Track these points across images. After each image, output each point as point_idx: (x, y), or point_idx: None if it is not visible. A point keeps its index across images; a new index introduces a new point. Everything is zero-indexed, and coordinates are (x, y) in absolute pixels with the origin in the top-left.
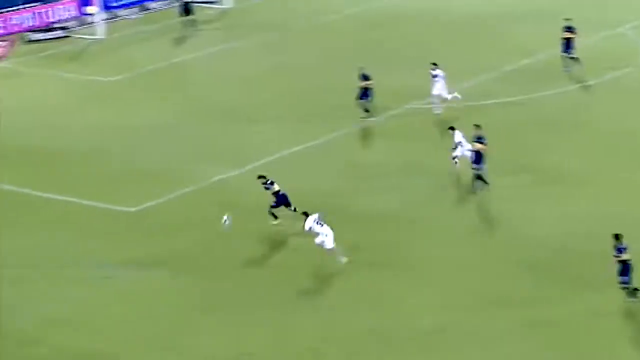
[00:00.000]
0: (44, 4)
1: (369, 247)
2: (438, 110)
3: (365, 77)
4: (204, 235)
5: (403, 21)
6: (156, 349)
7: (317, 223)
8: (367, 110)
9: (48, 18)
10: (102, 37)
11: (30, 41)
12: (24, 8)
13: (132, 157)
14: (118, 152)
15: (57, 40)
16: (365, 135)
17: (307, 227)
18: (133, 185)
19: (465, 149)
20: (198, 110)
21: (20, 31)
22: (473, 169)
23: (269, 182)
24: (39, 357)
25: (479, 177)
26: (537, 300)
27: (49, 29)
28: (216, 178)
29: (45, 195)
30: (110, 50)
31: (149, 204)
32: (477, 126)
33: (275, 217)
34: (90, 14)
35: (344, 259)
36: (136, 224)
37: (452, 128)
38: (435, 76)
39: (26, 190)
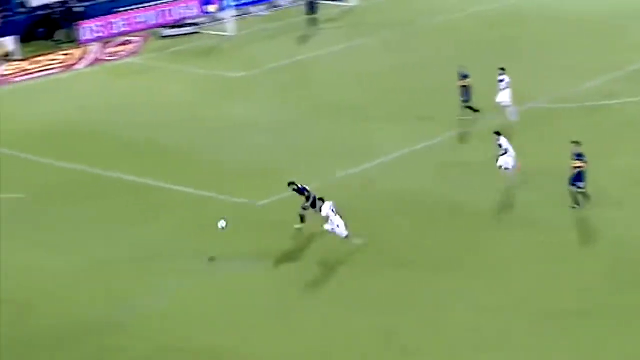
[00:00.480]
0: (168, 3)
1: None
2: (514, 117)
3: (464, 76)
4: (319, 232)
5: (526, 19)
6: (260, 341)
7: (332, 210)
8: (474, 110)
9: (171, 16)
10: (231, 33)
11: (163, 37)
12: (149, 6)
13: (253, 153)
14: (240, 147)
15: (188, 36)
16: (478, 135)
17: (324, 212)
18: (255, 180)
19: (510, 156)
20: (319, 108)
21: (144, 29)
22: (574, 187)
23: (300, 187)
24: (146, 350)
25: (580, 194)
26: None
27: (180, 24)
28: (338, 175)
29: (166, 186)
30: (238, 47)
31: (269, 199)
32: (576, 143)
33: (302, 220)
34: (211, 12)
35: (359, 240)
36: (255, 219)
37: (498, 133)
38: (501, 81)
39: (148, 181)
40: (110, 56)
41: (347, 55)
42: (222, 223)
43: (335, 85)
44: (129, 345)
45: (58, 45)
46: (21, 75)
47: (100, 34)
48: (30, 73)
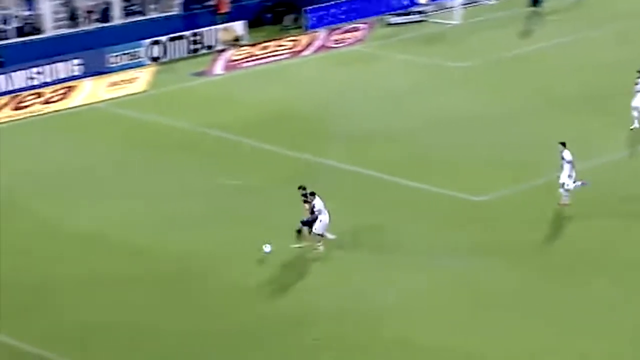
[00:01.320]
0: None
1: None
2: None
3: None
4: (550, 230)
5: None
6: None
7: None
8: None
9: (398, 3)
10: (457, 22)
11: (389, 24)
12: None
13: (477, 145)
14: (463, 140)
15: (414, 24)
16: None
17: (317, 208)
18: (478, 174)
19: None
20: (544, 100)
21: (371, 16)
22: None
23: (309, 193)
24: (365, 341)
25: None
26: None
27: (407, 12)
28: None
29: (388, 178)
30: (463, 36)
31: (495, 193)
32: None
33: (300, 235)
34: (423, 4)
35: (332, 236)
36: (480, 214)
37: (563, 144)
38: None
39: (371, 173)
40: (336, 43)
41: (574, 47)
42: (267, 248)
43: (562, 77)
44: (348, 334)
45: (286, 31)
46: (250, 61)
47: (328, 21)
48: (259, 59)
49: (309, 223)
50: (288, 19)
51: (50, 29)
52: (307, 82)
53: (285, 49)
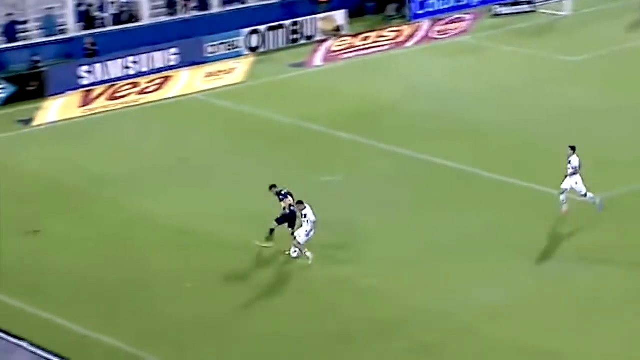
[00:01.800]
0: None
1: None
2: None
3: None
4: None
5: None
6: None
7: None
8: None
9: None
10: (568, 13)
11: (496, 15)
12: None
13: (588, 143)
14: (575, 137)
15: (523, 14)
16: None
17: (311, 218)
18: (590, 173)
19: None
20: None
21: (477, 6)
22: None
23: (283, 192)
24: (473, 347)
25: None
26: None
27: (515, 2)
28: None
29: (491, 175)
30: (573, 28)
31: (606, 193)
32: None
33: (270, 236)
34: None
35: (309, 255)
36: (589, 214)
37: (573, 148)
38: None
39: (475, 170)
40: (440, 34)
41: None
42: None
43: None
44: (448, 338)
45: (388, 21)
46: (350, 52)
47: (432, 10)
48: (360, 50)
49: (282, 221)
50: (390, 9)
51: (147, 17)
52: (410, 74)
53: (387, 40)
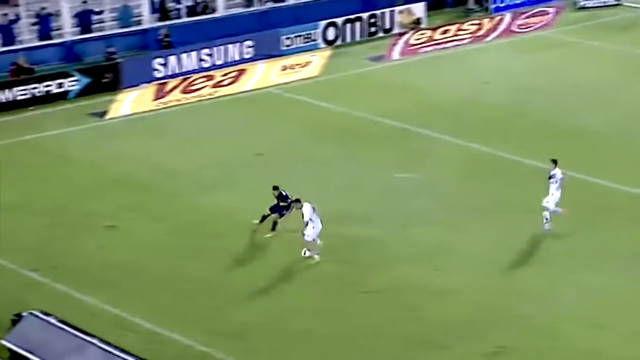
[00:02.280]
0: None
1: None
2: None
3: None
4: None
5: None
6: None
7: (314, 212)
8: None
9: None
10: None
11: (580, 8)
12: None
13: None
14: None
15: (608, 8)
16: None
17: (307, 217)
18: None
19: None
20: None
21: None
22: None
23: (284, 194)
24: (556, 351)
25: None
26: None
27: None
28: None
29: (575, 175)
30: None
31: None
32: None
33: (274, 228)
34: None
35: (316, 257)
36: None
37: (554, 161)
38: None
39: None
40: (522, 28)
41: None
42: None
43: None
44: (529, 342)
45: (468, 14)
46: (429, 46)
47: (514, 3)
48: (439, 43)
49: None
50: (471, 2)
51: (222, 9)
52: (490, 69)
53: (467, 34)
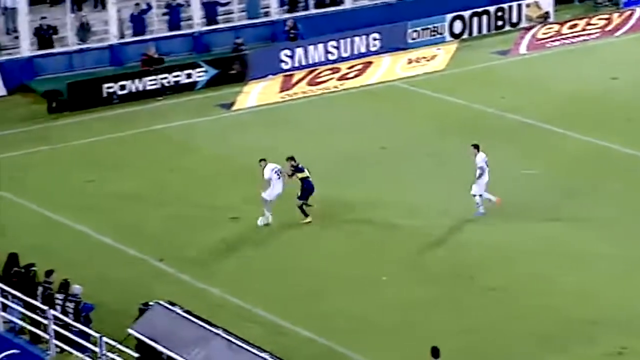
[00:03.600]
0: None
1: None
2: None
3: None
4: None
5: None
6: None
7: (275, 173)
8: None
9: None
10: None
11: None
12: None
13: None
14: None
15: None
16: None
17: (267, 175)
18: None
19: (484, 182)
20: None
21: None
22: None
23: (300, 166)
24: None
25: None
26: None
27: None
28: None
29: None
30: None
31: None
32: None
33: (306, 214)
34: None
35: (267, 220)
36: None
37: (476, 147)
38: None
39: None
40: None
41: None
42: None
43: None
44: None
45: (598, 8)
46: (557, 40)
47: None
48: (567, 38)
49: (306, 196)
50: None
51: (349, 1)
52: (621, 64)
53: (596, 28)
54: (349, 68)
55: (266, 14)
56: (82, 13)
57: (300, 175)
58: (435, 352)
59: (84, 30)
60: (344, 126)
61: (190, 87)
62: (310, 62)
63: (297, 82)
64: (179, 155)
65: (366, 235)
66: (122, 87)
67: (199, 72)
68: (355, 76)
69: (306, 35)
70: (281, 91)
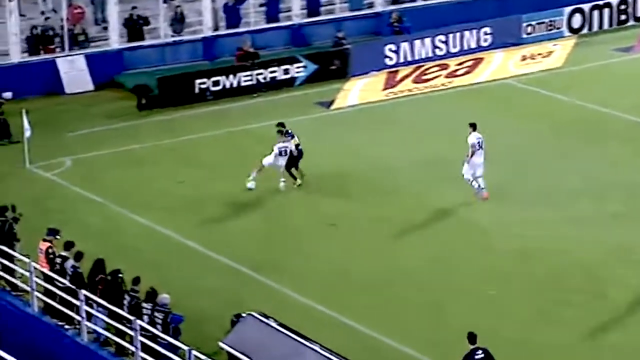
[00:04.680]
0: None
1: None
2: None
3: None
4: None
5: None
6: None
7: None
8: None
9: None
10: None
11: None
12: None
13: None
14: None
15: None
16: None
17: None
18: None
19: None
20: None
21: None
22: None
23: (289, 132)
24: None
25: None
26: None
27: None
28: None
29: None
30: None
31: None
32: None
33: (293, 179)
34: None
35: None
36: None
37: (472, 125)
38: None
39: None
40: None
41: None
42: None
43: None
44: None
45: None
46: None
47: None
48: None
49: (291, 164)
50: None
51: None
52: None
53: None
54: (458, 64)
55: (370, 6)
56: (175, 2)
57: (293, 141)
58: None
59: (177, 22)
60: (449, 128)
61: (288, 83)
62: (417, 57)
63: (402, 79)
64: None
65: (478, 243)
66: (216, 83)
67: (297, 67)
68: (465, 73)
69: (412, 29)
70: (385, 89)
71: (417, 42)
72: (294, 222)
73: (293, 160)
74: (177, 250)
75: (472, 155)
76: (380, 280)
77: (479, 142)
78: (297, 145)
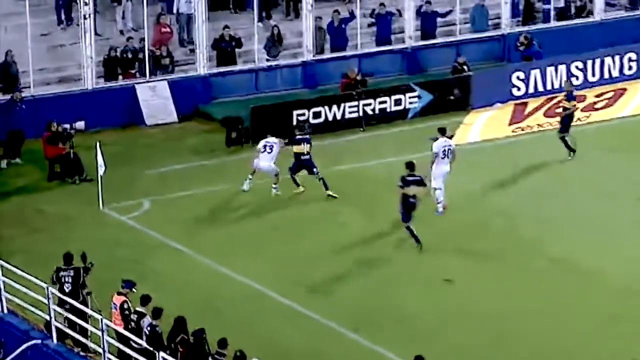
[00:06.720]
0: None
1: None
2: None
3: None
4: None
5: None
6: None
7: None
8: None
9: None
10: None
11: None
12: None
13: None
14: None
15: None
16: None
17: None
18: None
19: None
20: None
21: None
22: None
23: (306, 131)
24: None
25: None
26: None
27: None
28: None
29: None
30: None
31: None
32: None
33: (297, 184)
34: None
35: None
36: None
37: (441, 131)
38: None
39: None
40: None
41: None
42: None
43: None
44: None
45: None
46: None
47: None
48: None
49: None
50: None
51: (600, 12)
52: None
53: None
54: (598, 96)
55: (495, 27)
56: (271, 22)
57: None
58: None
59: (273, 43)
60: (582, 170)
61: (400, 115)
62: (549, 87)
63: (531, 113)
64: (387, 198)
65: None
66: (316, 115)
67: (410, 97)
68: (605, 106)
69: (544, 54)
70: (511, 123)
71: (550, 70)
72: (401, 273)
73: (302, 166)
74: (262, 306)
75: (433, 164)
76: (495, 337)
77: (444, 150)
78: (300, 154)
